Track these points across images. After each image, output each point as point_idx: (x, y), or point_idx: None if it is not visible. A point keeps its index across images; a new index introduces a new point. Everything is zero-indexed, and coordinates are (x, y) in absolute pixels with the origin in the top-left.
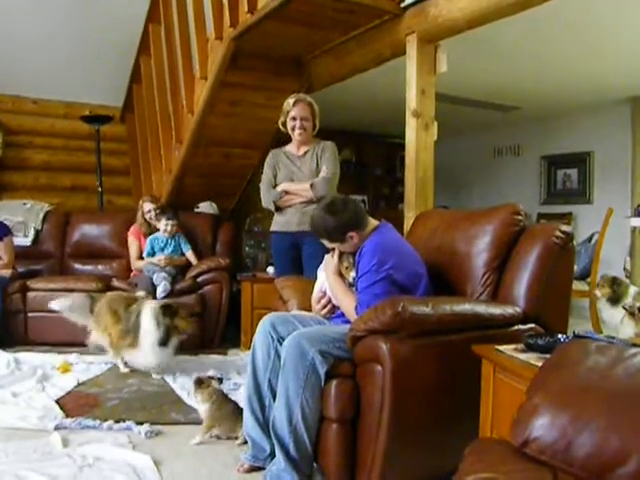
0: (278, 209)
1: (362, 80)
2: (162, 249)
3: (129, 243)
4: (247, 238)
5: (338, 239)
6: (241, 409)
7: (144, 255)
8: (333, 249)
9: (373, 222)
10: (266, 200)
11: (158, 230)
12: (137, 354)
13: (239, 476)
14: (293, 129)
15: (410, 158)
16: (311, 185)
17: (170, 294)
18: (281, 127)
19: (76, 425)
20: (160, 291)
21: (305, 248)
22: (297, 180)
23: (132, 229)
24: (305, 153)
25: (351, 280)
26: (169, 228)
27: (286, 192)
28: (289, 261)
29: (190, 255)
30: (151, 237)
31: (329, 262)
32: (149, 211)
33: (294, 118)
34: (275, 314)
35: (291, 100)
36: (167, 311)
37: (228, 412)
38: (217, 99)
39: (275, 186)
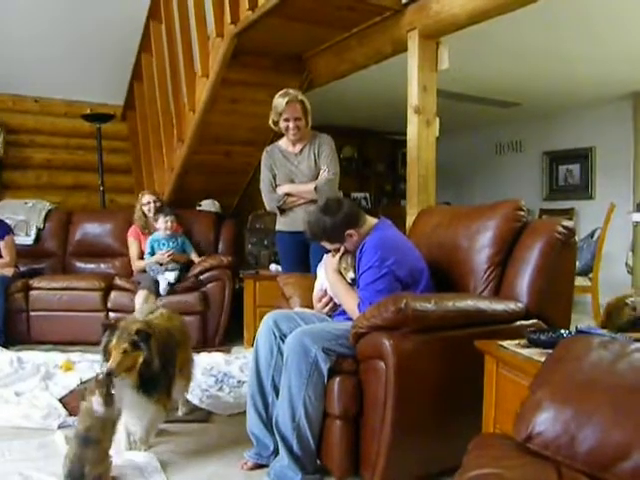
0: (283, 211)
1: (363, 77)
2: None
3: (129, 244)
4: (249, 235)
5: (338, 239)
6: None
7: (145, 257)
8: (334, 250)
9: (371, 220)
10: (269, 204)
11: (155, 228)
12: None
13: (243, 474)
14: (287, 129)
15: (412, 155)
16: (315, 188)
17: (173, 287)
18: (272, 126)
19: None
20: (162, 288)
21: (313, 245)
22: (297, 180)
23: (131, 230)
24: (302, 150)
25: (349, 281)
26: (168, 224)
27: (288, 194)
28: (296, 260)
29: (194, 257)
30: (151, 238)
31: (329, 261)
32: (148, 202)
33: (287, 119)
34: (278, 311)
35: (283, 100)
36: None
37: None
38: (218, 96)
39: (276, 187)
